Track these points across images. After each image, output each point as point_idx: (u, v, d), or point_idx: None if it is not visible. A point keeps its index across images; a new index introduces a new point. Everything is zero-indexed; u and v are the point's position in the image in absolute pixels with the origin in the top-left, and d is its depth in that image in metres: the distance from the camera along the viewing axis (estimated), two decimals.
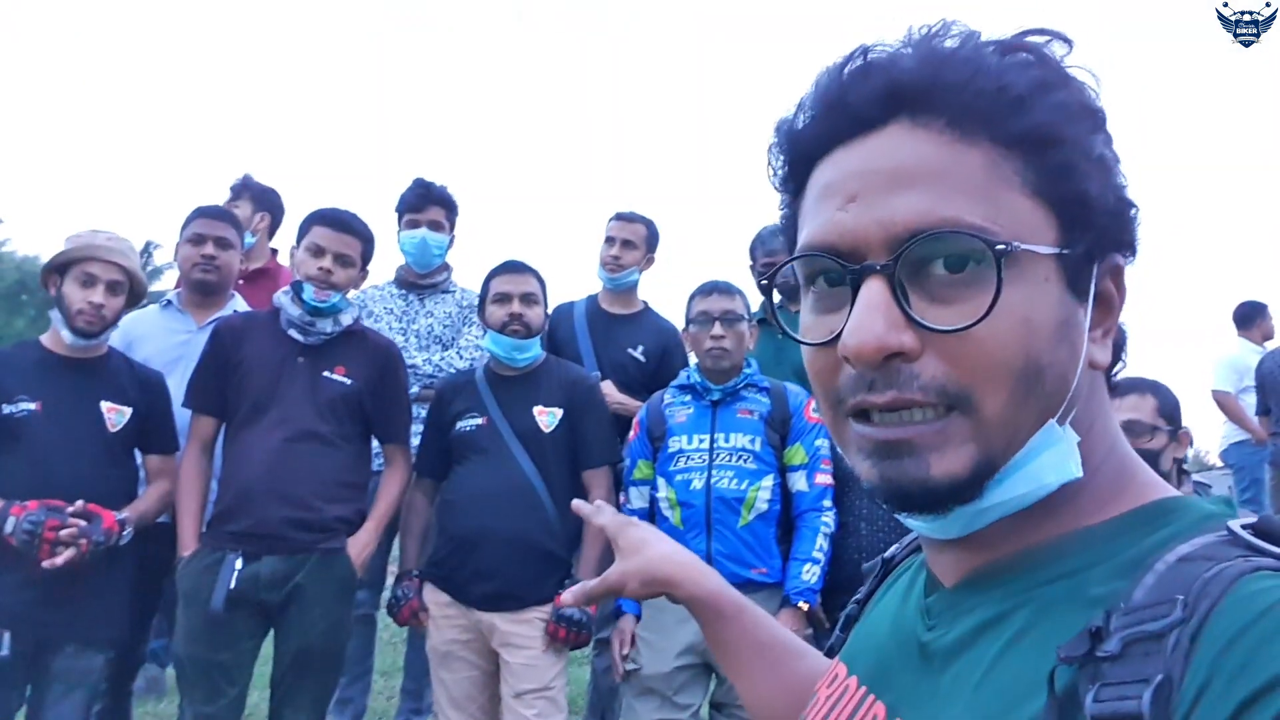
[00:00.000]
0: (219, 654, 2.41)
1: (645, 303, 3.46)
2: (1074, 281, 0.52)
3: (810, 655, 0.87)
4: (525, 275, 2.76)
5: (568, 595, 0.99)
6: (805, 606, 2.48)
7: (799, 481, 2.59)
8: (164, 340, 2.93)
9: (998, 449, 0.51)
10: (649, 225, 3.41)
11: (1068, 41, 0.54)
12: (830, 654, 0.71)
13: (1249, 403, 5.48)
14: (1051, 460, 0.52)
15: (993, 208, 0.50)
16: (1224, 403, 5.45)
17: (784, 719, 0.82)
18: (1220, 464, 6.05)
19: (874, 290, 0.51)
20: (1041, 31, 0.54)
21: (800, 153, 0.58)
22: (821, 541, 2.54)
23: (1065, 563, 0.52)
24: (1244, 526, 0.48)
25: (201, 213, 3.01)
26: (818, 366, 0.56)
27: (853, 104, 0.53)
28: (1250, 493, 5.69)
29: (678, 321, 3.28)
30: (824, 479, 2.58)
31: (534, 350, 2.73)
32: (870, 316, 0.51)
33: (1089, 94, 0.54)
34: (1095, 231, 0.53)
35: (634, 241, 3.35)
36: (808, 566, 2.52)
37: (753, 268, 3.37)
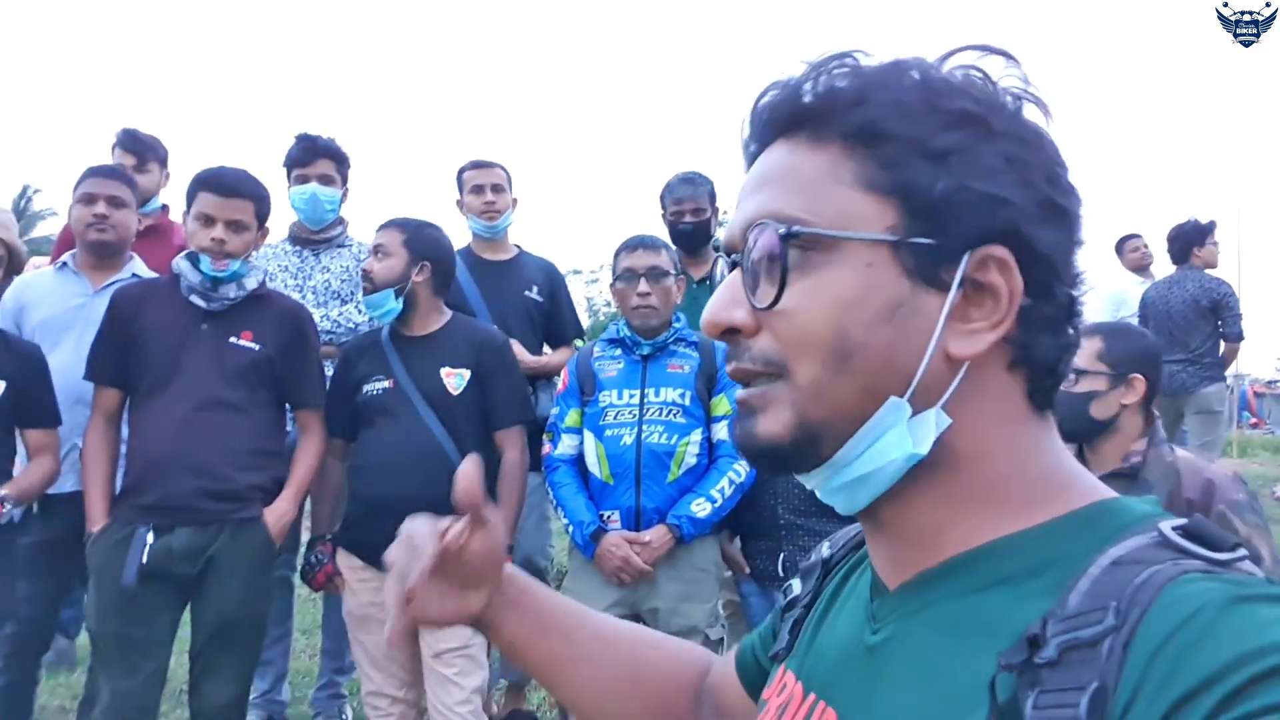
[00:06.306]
0: (133, 629, 2.35)
1: (518, 245, 3.50)
2: (922, 269, 0.54)
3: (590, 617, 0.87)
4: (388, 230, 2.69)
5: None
6: (674, 531, 2.51)
7: (721, 431, 2.61)
8: (59, 304, 2.82)
9: (816, 417, 0.56)
10: (503, 167, 3.46)
11: (1007, 56, 0.57)
12: (776, 659, 0.70)
13: None
14: (896, 437, 0.54)
15: (815, 200, 0.56)
16: None
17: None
18: None
19: (730, 277, 0.60)
20: (979, 48, 0.57)
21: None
22: (725, 484, 2.55)
23: (1002, 566, 0.53)
24: (1174, 529, 0.49)
25: (93, 172, 2.89)
26: None
27: (750, 135, 0.62)
28: None
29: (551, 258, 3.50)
30: None
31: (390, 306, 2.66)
32: (715, 298, 0.59)
33: (965, 101, 0.55)
34: (947, 224, 0.53)
35: (500, 185, 3.40)
36: (700, 500, 2.53)
37: (663, 216, 3.36)
